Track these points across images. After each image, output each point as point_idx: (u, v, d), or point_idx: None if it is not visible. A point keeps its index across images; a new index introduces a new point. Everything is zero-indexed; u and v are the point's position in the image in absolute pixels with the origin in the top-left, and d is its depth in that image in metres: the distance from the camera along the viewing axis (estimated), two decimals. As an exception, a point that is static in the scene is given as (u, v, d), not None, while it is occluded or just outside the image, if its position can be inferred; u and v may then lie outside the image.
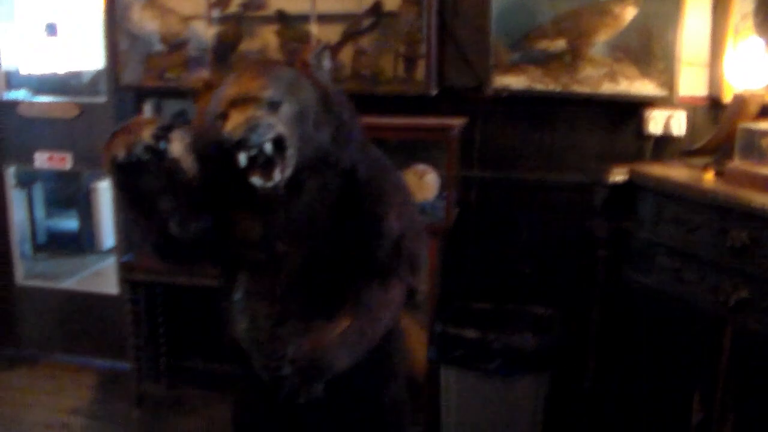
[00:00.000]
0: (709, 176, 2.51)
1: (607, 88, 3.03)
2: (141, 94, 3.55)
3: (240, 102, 1.70)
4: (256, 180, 1.69)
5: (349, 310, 1.80)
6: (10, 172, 4.10)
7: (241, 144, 1.65)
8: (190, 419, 3.49)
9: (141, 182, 1.76)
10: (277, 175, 1.69)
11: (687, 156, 2.82)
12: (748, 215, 2.18)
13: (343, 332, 1.77)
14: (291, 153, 1.70)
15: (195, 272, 3.15)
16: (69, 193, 5.76)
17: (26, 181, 5.21)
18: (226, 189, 1.84)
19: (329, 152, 1.79)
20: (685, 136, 3.02)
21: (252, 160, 1.68)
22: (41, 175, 5.55)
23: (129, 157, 1.69)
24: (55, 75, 5.09)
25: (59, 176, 5.71)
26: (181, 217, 1.85)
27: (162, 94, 3.50)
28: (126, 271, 3.48)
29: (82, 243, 5.69)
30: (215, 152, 1.74)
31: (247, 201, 1.83)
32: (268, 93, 1.71)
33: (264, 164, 1.68)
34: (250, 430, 2.36)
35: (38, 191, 5.59)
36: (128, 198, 1.83)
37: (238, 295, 1.95)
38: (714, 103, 2.99)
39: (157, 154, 1.70)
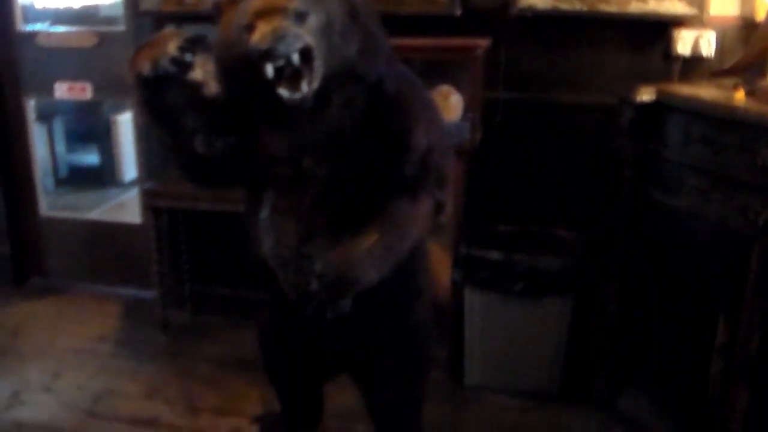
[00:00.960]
0: (740, 95, 2.46)
1: (635, 7, 2.95)
2: (160, 20, 3.50)
3: (266, 13, 1.67)
4: (283, 92, 1.67)
5: (376, 225, 1.79)
6: (31, 105, 4.09)
7: (268, 54, 1.63)
8: (215, 344, 3.53)
9: (166, 98, 1.76)
10: (305, 87, 1.67)
11: (716, 76, 2.77)
12: (780, 133, 2.15)
13: (370, 247, 1.76)
14: (318, 64, 1.68)
15: (218, 196, 3.14)
16: (89, 127, 5.75)
17: (46, 116, 5.22)
18: (252, 105, 1.82)
19: (356, 65, 1.77)
20: (715, 57, 2.94)
21: (279, 72, 1.66)
22: (61, 108, 5.55)
23: (155, 71, 1.68)
24: (70, 9, 5.06)
25: (79, 110, 5.71)
26: (206, 134, 1.85)
27: (181, 19, 3.44)
28: (148, 197, 3.48)
29: (103, 176, 5.71)
30: (240, 66, 1.73)
31: (273, 117, 1.82)
32: (295, 4, 1.67)
33: (291, 75, 1.67)
34: (276, 352, 2.39)
35: (59, 125, 5.60)
36: (153, 115, 1.83)
37: (264, 214, 1.95)
38: (745, 22, 2.91)
39: (183, 67, 1.70)
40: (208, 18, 1.87)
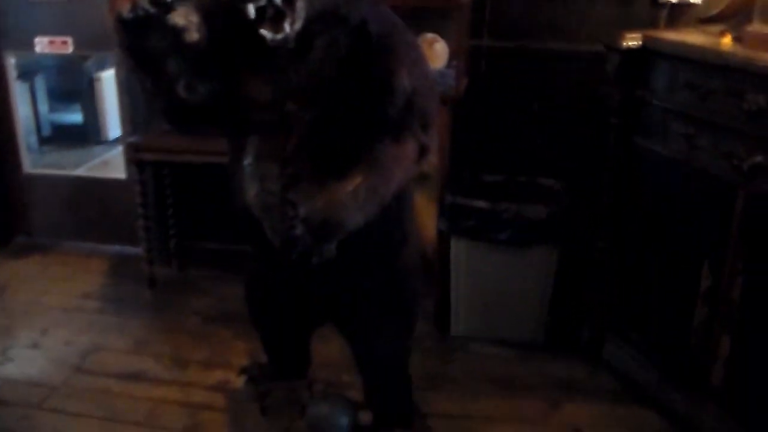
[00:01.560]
0: (727, 41, 2.44)
1: (622, -46, 2.93)
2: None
3: None
4: (265, 33, 1.66)
5: (361, 168, 1.78)
6: (12, 62, 4.02)
7: None
8: (202, 299, 3.52)
9: (147, 42, 1.73)
10: (287, 27, 1.65)
11: (703, 23, 2.74)
12: (766, 78, 2.14)
13: (355, 189, 1.75)
14: (301, 5, 1.66)
15: (203, 149, 3.12)
16: (72, 85, 5.67)
17: (28, 73, 5.14)
18: (234, 48, 1.80)
19: (340, 6, 1.75)
20: (702, 3, 2.91)
21: (261, 12, 1.64)
22: (43, 66, 5.47)
23: (134, 12, 1.66)
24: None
25: (61, 67, 5.63)
26: (188, 79, 1.82)
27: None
28: (132, 151, 3.43)
29: (88, 135, 5.64)
30: (222, 7, 1.71)
31: (256, 60, 1.80)
32: None
33: (273, 16, 1.65)
34: (263, 301, 2.39)
35: (41, 84, 5.51)
36: (135, 60, 1.81)
37: (248, 160, 1.94)
38: (732, -32, 2.88)
39: (163, 8, 1.67)
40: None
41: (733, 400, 2.39)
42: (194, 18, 1.72)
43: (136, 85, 1.88)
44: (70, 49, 3.77)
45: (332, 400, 2.56)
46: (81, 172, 4.88)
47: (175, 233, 3.81)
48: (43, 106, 5.62)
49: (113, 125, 5.22)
